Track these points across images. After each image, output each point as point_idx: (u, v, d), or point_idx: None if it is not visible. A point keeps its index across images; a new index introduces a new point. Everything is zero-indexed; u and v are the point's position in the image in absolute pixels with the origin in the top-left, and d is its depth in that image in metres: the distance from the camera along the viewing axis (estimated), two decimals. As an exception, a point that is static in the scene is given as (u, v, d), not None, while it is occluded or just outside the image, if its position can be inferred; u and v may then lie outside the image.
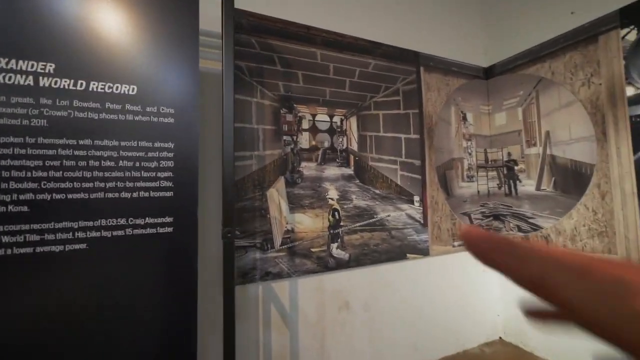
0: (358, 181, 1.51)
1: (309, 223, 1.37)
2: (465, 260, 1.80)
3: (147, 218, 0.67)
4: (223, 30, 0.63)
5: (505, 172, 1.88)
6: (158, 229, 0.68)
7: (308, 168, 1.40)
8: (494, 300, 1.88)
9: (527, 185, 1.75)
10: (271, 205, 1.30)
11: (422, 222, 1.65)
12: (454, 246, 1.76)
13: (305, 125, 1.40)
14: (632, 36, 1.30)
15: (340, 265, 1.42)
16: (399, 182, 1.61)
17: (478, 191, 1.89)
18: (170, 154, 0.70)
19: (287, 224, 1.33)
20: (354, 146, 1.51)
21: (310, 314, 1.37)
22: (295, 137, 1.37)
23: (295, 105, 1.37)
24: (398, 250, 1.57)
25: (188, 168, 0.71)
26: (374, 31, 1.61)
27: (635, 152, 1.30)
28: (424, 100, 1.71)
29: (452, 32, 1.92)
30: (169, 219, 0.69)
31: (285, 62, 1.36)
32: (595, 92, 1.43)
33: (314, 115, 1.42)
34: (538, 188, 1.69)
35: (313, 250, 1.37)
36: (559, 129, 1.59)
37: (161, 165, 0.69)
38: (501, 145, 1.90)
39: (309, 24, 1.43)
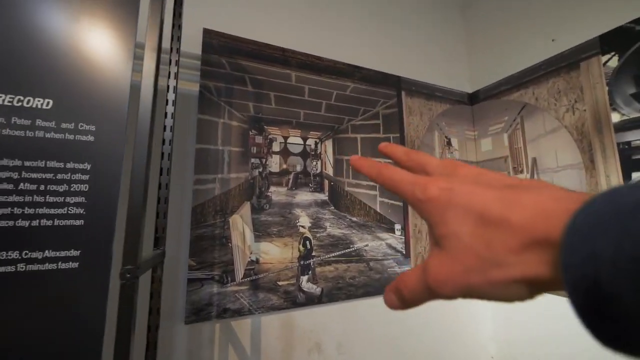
0: (333, 207, 1.41)
1: (276, 253, 1.26)
2: (453, 296, 1.65)
3: (47, 251, 0.57)
4: (146, 39, 0.56)
5: (493, 200, 1.78)
6: (60, 264, 0.57)
7: (277, 193, 1.30)
8: (486, 340, 1.71)
9: (516, 215, 1.65)
10: (234, 233, 1.19)
11: (404, 252, 1.53)
12: (440, 280, 1.62)
13: (276, 147, 1.33)
14: (613, 62, 1.26)
15: (311, 300, 1.29)
16: (378, 209, 1.51)
17: (465, 220, 1.78)
18: (85, 177, 0.61)
19: (251, 253, 1.21)
20: (329, 170, 1.43)
21: (275, 358, 1.22)
22: (264, 160, 1.29)
23: (265, 126, 1.31)
24: (377, 284, 1.44)
25: (106, 193, 0.62)
26: (355, 55, 1.58)
27: (625, 180, 1.21)
28: (405, 125, 1.65)
29: (436, 58, 1.91)
30: (74, 253, 0.58)
31: (257, 83, 1.31)
32: (581, 118, 1.37)
33: (285, 138, 1.35)
34: (528, 218, 1.59)
35: (280, 283, 1.24)
36: (545, 156, 1.52)
37: (72, 189, 0.60)
38: (488, 172, 1.82)
39: (285, 47, 1.39)
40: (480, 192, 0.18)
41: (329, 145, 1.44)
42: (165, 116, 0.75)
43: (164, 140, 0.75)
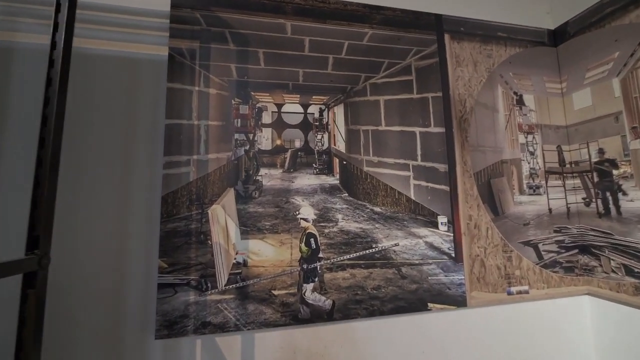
0: (346, 194, 1.07)
1: (270, 253, 0.98)
2: (536, 315, 1.17)
3: None
4: None
5: (596, 179, 1.21)
6: None
7: (270, 176, 1.02)
8: (589, 384, 1.18)
9: (637, 200, 1.08)
10: (214, 228, 0.95)
11: (452, 255, 1.11)
12: (510, 293, 1.15)
13: (266, 118, 1.04)
14: None
15: (318, 316, 0.98)
16: (412, 196, 1.11)
17: (550, 209, 1.26)
18: None
19: (236, 254, 0.96)
20: (340, 146, 1.09)
21: (273, 387, 0.95)
22: (251, 136, 1.02)
23: (252, 92, 1.03)
24: (412, 296, 1.05)
25: None
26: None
27: None
28: (450, 80, 1.20)
29: (495, -12, 1.38)
30: None
31: (240, 39, 1.04)
32: None
33: (279, 106, 1.05)
34: (661, 204, 1.01)
35: (276, 292, 0.96)
36: (697, 103, 0.93)
37: None
38: (586, 139, 1.25)
39: (277, -9, 1.09)
40: None
41: (339, 112, 1.10)
42: (51, 67, 0.52)
43: (46, 101, 0.52)
